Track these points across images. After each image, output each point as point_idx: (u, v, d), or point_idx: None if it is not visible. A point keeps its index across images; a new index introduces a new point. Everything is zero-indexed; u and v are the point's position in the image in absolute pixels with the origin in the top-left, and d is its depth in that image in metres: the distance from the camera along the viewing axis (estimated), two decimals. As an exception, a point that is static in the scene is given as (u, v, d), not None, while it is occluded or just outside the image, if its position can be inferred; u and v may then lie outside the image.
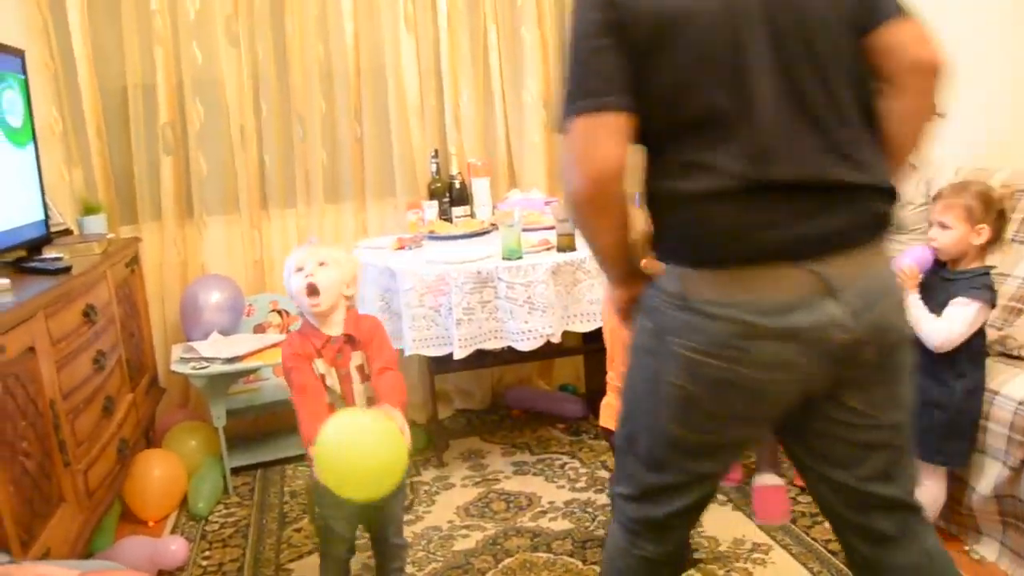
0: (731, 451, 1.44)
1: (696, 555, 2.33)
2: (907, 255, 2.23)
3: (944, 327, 2.11)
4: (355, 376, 1.95)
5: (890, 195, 1.29)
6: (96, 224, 2.91)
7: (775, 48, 1.22)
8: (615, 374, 2.10)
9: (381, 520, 2.03)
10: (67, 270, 2.25)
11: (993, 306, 2.13)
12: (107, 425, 2.34)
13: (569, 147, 1.26)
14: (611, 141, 1.24)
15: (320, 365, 1.92)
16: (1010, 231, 2.54)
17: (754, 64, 1.22)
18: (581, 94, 1.24)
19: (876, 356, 1.28)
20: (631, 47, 1.23)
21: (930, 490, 2.22)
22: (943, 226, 2.14)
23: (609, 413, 2.09)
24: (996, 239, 2.14)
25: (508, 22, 3.45)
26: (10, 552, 1.34)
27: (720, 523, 2.49)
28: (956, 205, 2.12)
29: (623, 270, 1.42)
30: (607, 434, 2.11)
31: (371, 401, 1.94)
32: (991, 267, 2.16)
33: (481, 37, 3.42)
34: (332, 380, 1.93)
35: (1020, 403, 2.07)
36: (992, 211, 2.11)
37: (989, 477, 2.13)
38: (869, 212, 1.26)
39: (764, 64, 1.22)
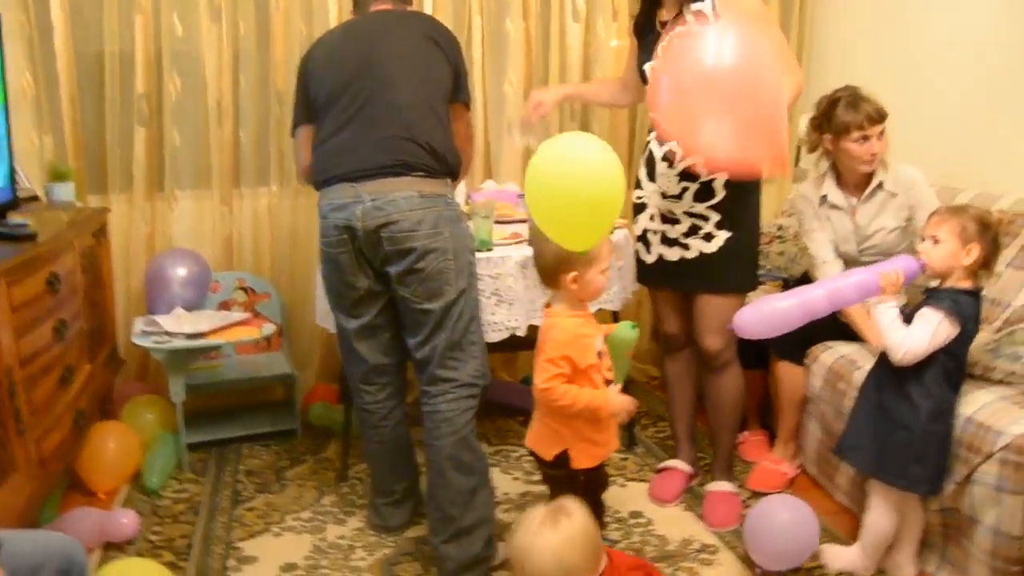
0: (360, 303, 2.28)
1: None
2: (894, 261, 2.17)
3: (902, 338, 2.07)
4: None
5: (415, 146, 2.14)
6: (64, 192, 2.87)
7: (357, 84, 2.18)
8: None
9: None
10: (32, 237, 2.22)
11: (962, 325, 2.06)
12: (64, 395, 2.32)
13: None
14: (305, 145, 2.34)
15: None
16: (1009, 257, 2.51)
17: (344, 89, 2.19)
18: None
19: (395, 253, 2.13)
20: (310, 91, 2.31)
21: (875, 511, 2.20)
22: (935, 240, 2.10)
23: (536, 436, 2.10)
24: (986, 264, 2.10)
25: (493, 14, 3.44)
26: None
27: (670, 523, 2.53)
28: (951, 220, 2.09)
29: None
30: (535, 457, 2.12)
31: None
32: (977, 289, 2.11)
33: (465, 28, 3.42)
34: None
35: (966, 419, 2.12)
36: (987, 234, 2.07)
37: (934, 491, 2.18)
38: (392, 159, 2.13)
39: (348, 89, 2.19)
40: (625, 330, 2.09)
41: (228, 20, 3.17)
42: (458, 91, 2.31)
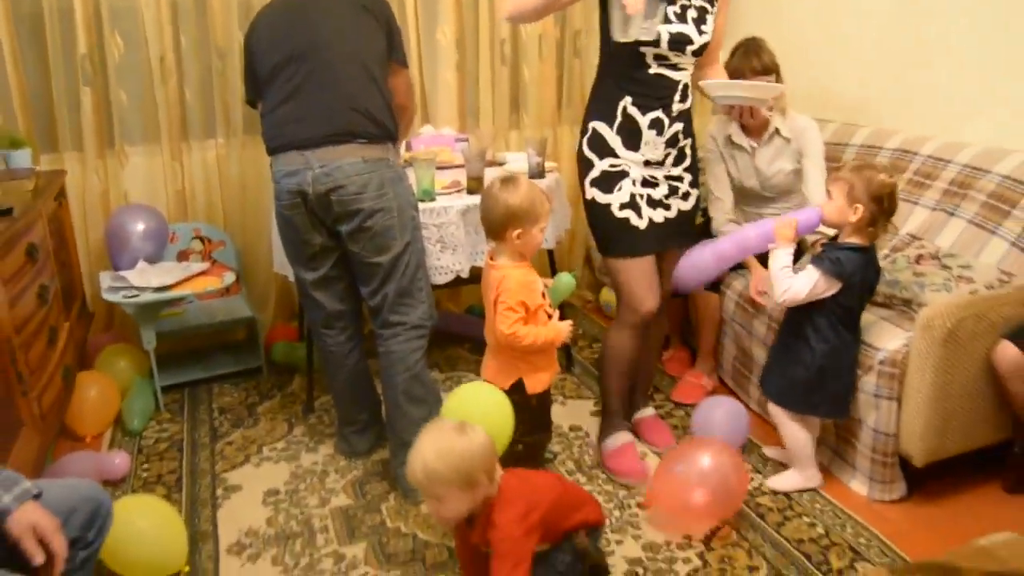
0: (316, 258, 2.52)
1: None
2: (798, 212, 2.42)
3: (783, 284, 2.31)
4: None
5: (356, 115, 2.36)
6: (22, 158, 2.94)
7: (298, 58, 2.37)
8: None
9: None
10: (8, 212, 2.37)
11: (842, 281, 2.27)
12: (52, 354, 2.52)
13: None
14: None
15: None
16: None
17: (286, 63, 2.38)
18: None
19: (345, 214, 2.37)
20: (255, 67, 2.48)
21: (784, 427, 2.51)
22: (829, 195, 2.29)
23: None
24: (872, 223, 2.24)
25: (423, -39, 3.57)
26: None
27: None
28: (843, 179, 2.24)
29: None
30: None
31: None
32: (863, 247, 2.28)
33: (397, -22, 3.54)
34: None
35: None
36: (872, 196, 2.20)
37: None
38: (336, 128, 2.34)
39: (293, 63, 2.37)
40: (566, 279, 2.39)
41: (165, -25, 3.24)
42: (393, 52, 2.51)
